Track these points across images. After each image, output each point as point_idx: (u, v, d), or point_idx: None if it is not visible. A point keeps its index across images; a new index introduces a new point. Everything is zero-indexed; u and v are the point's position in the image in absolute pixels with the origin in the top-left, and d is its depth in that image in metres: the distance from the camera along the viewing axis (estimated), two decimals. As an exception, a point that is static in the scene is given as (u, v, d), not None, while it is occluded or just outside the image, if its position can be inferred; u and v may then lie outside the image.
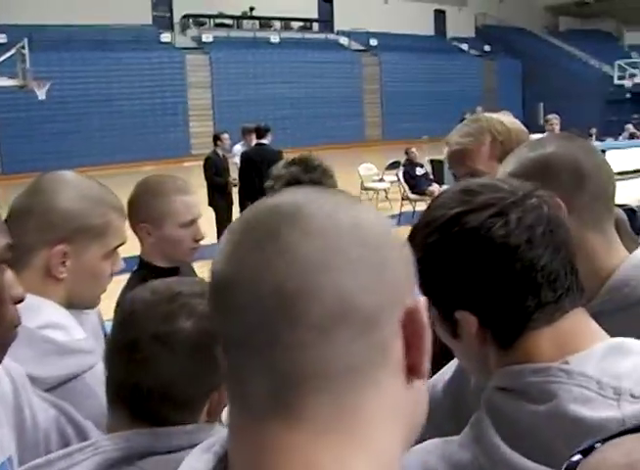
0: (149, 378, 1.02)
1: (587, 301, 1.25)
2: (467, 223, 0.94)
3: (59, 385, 1.31)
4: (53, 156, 20.26)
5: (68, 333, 1.37)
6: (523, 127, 1.97)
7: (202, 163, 9.32)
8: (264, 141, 8.21)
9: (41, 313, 1.34)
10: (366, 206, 0.65)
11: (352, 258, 0.58)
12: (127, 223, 1.44)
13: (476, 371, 1.06)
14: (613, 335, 1.00)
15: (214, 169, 8.76)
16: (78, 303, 1.47)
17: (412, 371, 0.61)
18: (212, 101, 24.49)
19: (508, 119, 1.97)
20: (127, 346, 1.04)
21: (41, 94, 15.92)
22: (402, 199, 12.11)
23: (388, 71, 28.11)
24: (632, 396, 0.86)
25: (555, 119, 9.45)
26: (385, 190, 13.19)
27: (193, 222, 2.17)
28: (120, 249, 1.52)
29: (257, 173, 8.03)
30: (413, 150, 12.36)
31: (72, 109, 21.10)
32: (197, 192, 2.22)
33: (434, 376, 1.27)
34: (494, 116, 2.01)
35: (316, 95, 25.90)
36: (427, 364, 0.61)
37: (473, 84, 29.48)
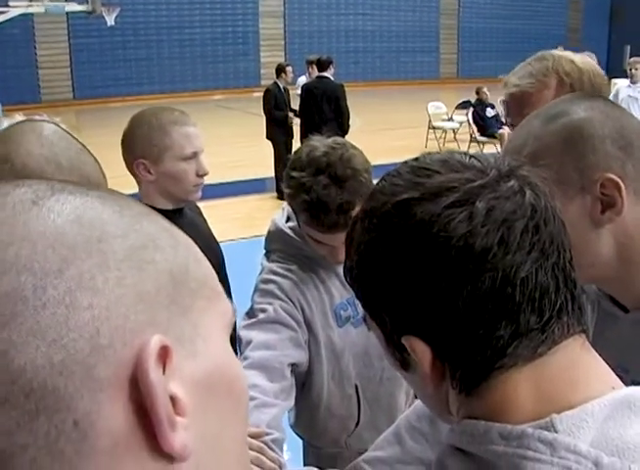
0: None
1: None
2: (415, 216, 0.67)
3: None
4: (124, 82, 20.42)
5: None
6: (598, 69, 1.67)
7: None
8: (326, 74, 8.03)
9: None
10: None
11: None
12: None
13: (434, 411, 0.79)
14: None
15: (274, 102, 8.57)
16: None
17: (158, 450, 0.39)
18: (284, 31, 24.06)
19: (581, 58, 1.68)
20: None
21: (110, 20, 15.78)
22: (470, 141, 11.72)
23: (467, 6, 26.99)
24: None
25: (638, 63, 8.82)
26: (453, 130, 12.78)
27: (195, 155, 2.01)
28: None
29: (316, 107, 7.89)
30: (484, 90, 11.86)
31: (143, 36, 21.03)
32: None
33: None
34: (564, 53, 1.72)
35: (391, 29, 25.15)
36: (181, 437, 0.39)
37: (555, 23, 28.16)
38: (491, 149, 10.47)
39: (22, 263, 0.37)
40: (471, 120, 11.83)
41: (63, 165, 1.16)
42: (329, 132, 1.71)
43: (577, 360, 0.68)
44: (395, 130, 13.61)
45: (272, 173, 8.55)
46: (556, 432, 0.62)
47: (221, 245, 2.31)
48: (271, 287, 1.71)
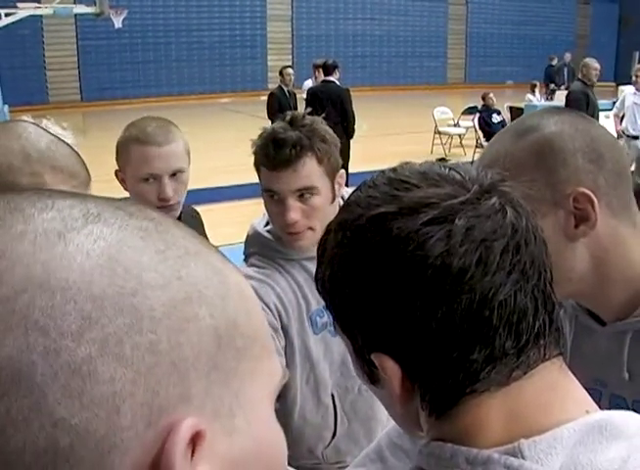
0: None
1: (618, 318, 0.99)
2: (390, 232, 0.64)
3: None
4: (131, 84, 20.47)
5: None
6: None
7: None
8: (331, 78, 8.05)
9: None
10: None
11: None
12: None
13: (403, 428, 0.77)
14: None
15: (277, 106, 8.56)
16: None
17: None
18: (292, 35, 24.09)
19: None
20: None
21: (117, 22, 15.84)
22: (476, 146, 11.70)
23: (476, 12, 27.00)
24: None
25: (641, 71, 8.74)
26: (459, 135, 12.75)
27: (154, 178, 1.90)
28: None
29: (322, 111, 7.86)
30: (491, 95, 11.86)
31: (151, 38, 21.08)
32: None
33: None
34: None
35: (399, 34, 25.16)
36: None
37: (564, 29, 28.13)
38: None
39: (34, 319, 0.31)
40: (477, 126, 11.83)
41: (31, 157, 1.14)
42: None
43: (554, 384, 0.66)
44: (401, 135, 13.59)
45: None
46: (523, 458, 0.60)
47: (219, 249, 2.29)
48: None
